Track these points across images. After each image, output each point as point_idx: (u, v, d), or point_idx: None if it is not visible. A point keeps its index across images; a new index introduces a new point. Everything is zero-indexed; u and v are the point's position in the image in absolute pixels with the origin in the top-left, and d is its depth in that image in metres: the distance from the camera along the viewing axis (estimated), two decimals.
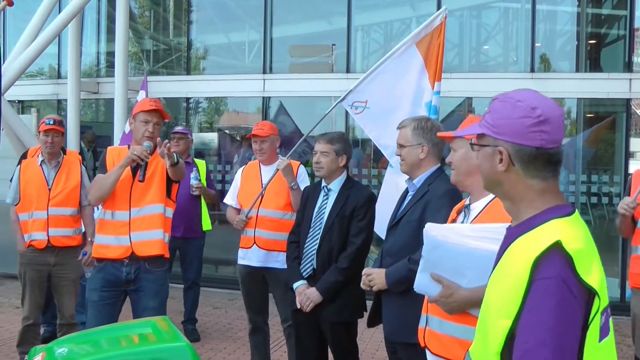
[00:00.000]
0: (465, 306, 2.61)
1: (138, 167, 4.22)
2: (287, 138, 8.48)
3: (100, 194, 4.25)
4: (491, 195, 2.69)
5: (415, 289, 2.85)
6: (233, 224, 5.14)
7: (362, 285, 3.55)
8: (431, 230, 2.65)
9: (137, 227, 4.24)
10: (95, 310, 4.20)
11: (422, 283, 2.76)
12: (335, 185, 4.23)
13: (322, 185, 4.28)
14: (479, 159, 1.89)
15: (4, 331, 5.18)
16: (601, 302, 1.66)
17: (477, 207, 2.78)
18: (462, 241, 2.55)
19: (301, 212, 4.37)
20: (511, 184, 1.82)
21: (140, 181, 4.21)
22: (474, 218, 2.74)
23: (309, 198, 4.33)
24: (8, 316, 6.04)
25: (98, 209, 4.86)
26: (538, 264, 1.63)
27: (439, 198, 3.25)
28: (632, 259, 4.53)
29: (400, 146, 3.51)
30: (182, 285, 6.83)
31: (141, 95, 7.59)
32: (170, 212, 4.42)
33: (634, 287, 4.53)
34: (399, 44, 5.03)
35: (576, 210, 1.82)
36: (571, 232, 1.71)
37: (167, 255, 4.39)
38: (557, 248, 1.64)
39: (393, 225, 3.53)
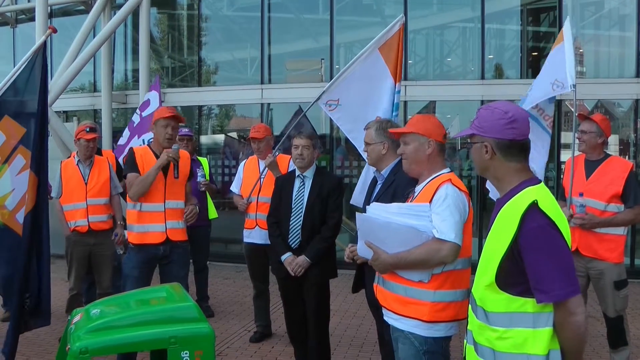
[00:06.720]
0: (389, 267, 2.75)
1: (166, 166, 4.27)
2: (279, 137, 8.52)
3: (143, 190, 4.22)
4: (427, 181, 2.82)
5: (358, 254, 3.03)
6: (238, 207, 5.28)
7: (345, 259, 3.55)
8: (370, 208, 2.79)
9: (170, 217, 4.32)
10: (134, 283, 4.22)
11: (361, 249, 2.95)
12: (310, 173, 4.33)
13: (297, 174, 4.35)
14: (473, 153, 2.14)
15: (55, 300, 5.23)
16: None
17: (419, 189, 2.87)
18: (385, 217, 2.69)
19: (278, 197, 4.41)
20: (496, 168, 2.09)
21: (175, 178, 4.28)
22: (415, 197, 2.83)
23: (283, 185, 4.40)
24: (58, 288, 6.13)
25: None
26: (524, 217, 1.92)
27: (404, 186, 3.21)
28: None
29: (366, 144, 3.56)
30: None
31: (153, 96, 7.16)
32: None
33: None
34: (363, 49, 4.89)
35: (542, 181, 2.11)
36: (542, 194, 1.99)
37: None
38: (534, 205, 1.92)
39: None
